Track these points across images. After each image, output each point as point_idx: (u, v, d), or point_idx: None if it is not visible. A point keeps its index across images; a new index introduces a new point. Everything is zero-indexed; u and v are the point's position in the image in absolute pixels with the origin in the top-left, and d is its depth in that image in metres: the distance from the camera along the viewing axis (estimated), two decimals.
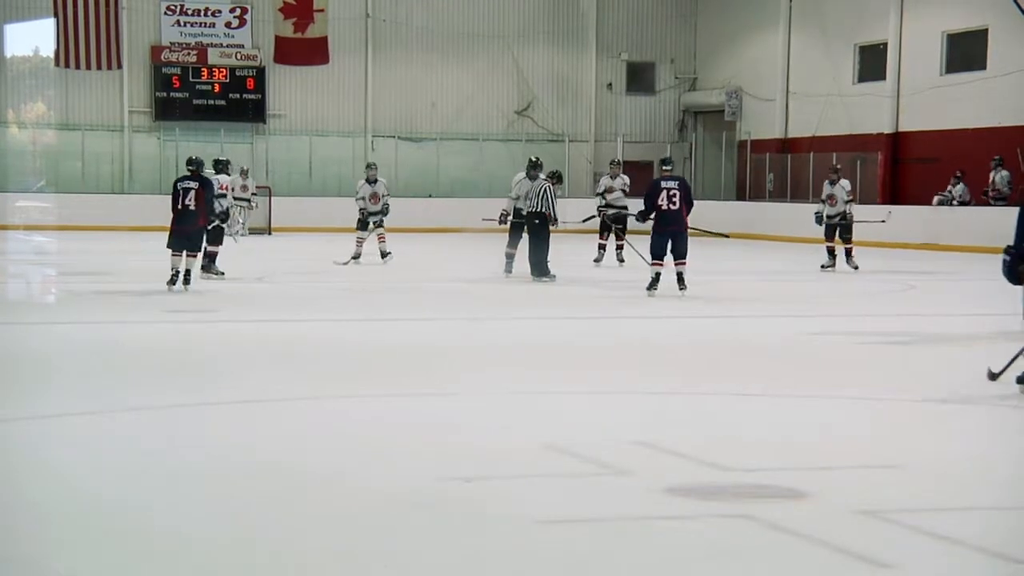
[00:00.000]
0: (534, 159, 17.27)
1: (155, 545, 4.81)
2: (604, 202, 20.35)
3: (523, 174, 17.16)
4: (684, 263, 14.75)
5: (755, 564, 4.64)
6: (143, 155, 33.06)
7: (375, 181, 19.74)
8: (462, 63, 34.88)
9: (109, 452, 6.36)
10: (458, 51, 34.78)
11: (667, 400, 8.16)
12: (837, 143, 30.82)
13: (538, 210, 16.59)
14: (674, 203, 14.66)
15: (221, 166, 17.40)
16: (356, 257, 19.40)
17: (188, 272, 14.76)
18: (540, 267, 16.55)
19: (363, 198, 19.60)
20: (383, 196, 19.68)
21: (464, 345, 10.86)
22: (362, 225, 19.56)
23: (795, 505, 5.38)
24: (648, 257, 14.96)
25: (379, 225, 19.61)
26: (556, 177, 17.18)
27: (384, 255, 19.49)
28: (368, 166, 20.38)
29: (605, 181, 20.81)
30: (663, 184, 14.79)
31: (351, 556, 4.70)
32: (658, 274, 14.76)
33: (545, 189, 16.60)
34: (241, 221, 28.90)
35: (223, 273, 16.28)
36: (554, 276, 16.55)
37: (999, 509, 5.45)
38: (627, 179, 21.13)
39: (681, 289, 14.69)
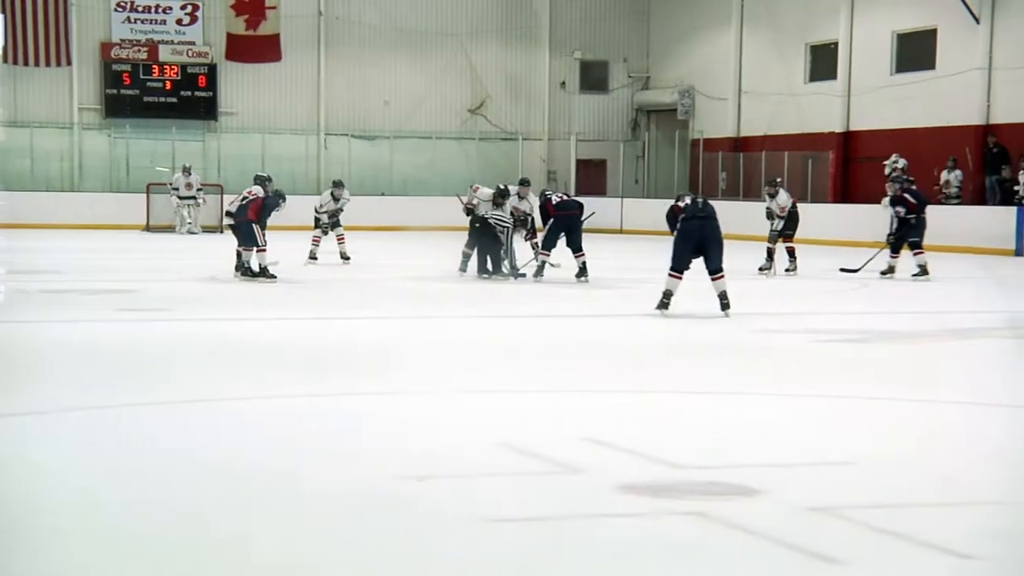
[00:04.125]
0: (502, 187, 17.25)
1: (104, 546, 4.76)
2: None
3: (491, 192, 17.12)
4: (583, 255, 16.37)
5: (708, 561, 4.65)
6: (93, 152, 32.78)
7: (340, 199, 19.66)
8: (415, 61, 34.82)
9: (57, 452, 6.29)
10: (411, 49, 34.71)
11: (620, 398, 8.17)
12: (789, 142, 31.02)
13: (482, 215, 16.74)
14: (564, 197, 16.99)
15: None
16: (313, 257, 19.32)
17: (242, 263, 16.27)
18: (496, 266, 16.70)
19: (326, 212, 19.52)
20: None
21: (417, 344, 10.85)
22: (319, 224, 19.54)
23: (748, 502, 5.40)
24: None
25: (337, 224, 19.56)
26: (503, 194, 17.10)
27: (345, 257, 19.36)
28: (337, 184, 20.05)
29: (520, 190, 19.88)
30: (548, 194, 17.19)
31: (303, 555, 4.67)
32: (544, 263, 16.68)
33: (508, 228, 16.80)
34: (190, 220, 28.75)
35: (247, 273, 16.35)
36: (507, 275, 16.64)
37: (949, 505, 5.49)
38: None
39: (581, 279, 16.17)
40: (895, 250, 17.60)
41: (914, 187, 18.46)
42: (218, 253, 21.64)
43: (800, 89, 31.57)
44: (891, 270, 17.62)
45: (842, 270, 17.61)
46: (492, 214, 16.79)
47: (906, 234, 17.48)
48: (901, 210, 17.46)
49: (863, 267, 17.56)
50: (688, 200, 13.06)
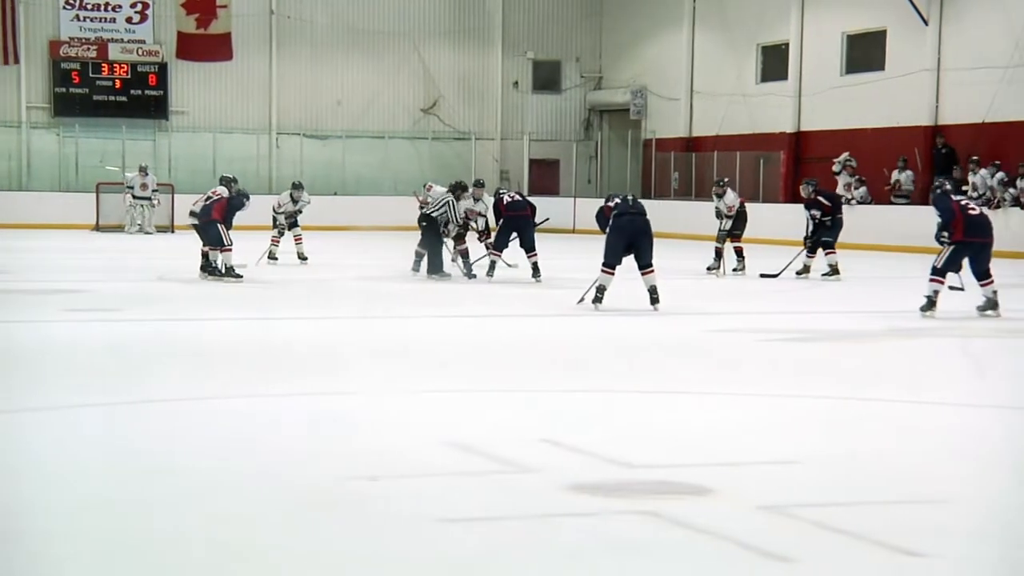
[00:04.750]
0: (457, 182, 17.32)
1: (47, 547, 4.73)
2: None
3: (444, 191, 17.17)
4: (535, 255, 16.47)
5: (660, 560, 4.67)
6: (42, 151, 32.49)
7: (298, 201, 19.53)
8: (367, 60, 34.73)
9: (2, 453, 6.24)
10: (363, 48, 34.62)
11: (571, 398, 8.18)
12: (740, 142, 31.18)
13: (426, 212, 16.86)
14: (515, 197, 17.05)
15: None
16: (272, 257, 19.22)
17: (208, 263, 16.18)
18: (433, 265, 16.71)
19: (283, 213, 19.42)
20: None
21: (371, 344, 10.82)
22: (276, 224, 19.45)
23: (700, 501, 5.42)
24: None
25: (295, 224, 19.48)
26: (460, 187, 17.13)
27: (302, 257, 19.28)
28: (297, 186, 19.86)
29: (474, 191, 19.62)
30: (501, 193, 17.25)
31: (253, 555, 4.66)
32: (494, 262, 16.77)
33: (447, 202, 16.75)
34: (139, 222, 28.49)
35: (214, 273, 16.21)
36: (448, 274, 16.66)
37: (898, 503, 5.54)
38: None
39: (535, 278, 16.23)
40: (812, 251, 17.79)
41: (866, 181, 18.58)
42: (169, 253, 21.53)
43: (751, 89, 31.74)
44: (806, 269, 17.78)
45: (762, 276, 17.75)
46: (432, 199, 16.82)
47: (821, 235, 17.65)
48: (817, 213, 17.63)
49: (783, 271, 17.73)
50: (618, 199, 13.45)
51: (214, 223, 16.00)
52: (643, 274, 13.04)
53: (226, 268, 16.04)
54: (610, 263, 13.04)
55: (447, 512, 5.22)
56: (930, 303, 12.84)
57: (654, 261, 13.08)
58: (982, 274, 12.95)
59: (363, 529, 5.00)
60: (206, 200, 16.32)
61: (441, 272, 16.63)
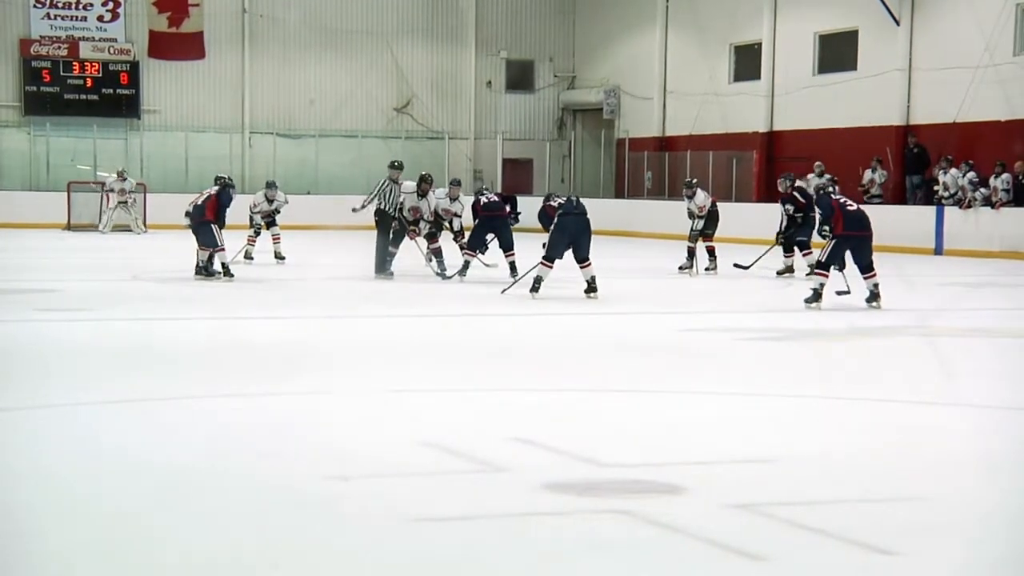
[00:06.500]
0: (424, 174, 17.22)
1: (20, 546, 4.69)
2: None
3: (413, 184, 17.12)
4: (513, 254, 16.63)
5: (633, 559, 4.67)
6: (12, 150, 32.33)
7: (273, 200, 19.45)
8: (341, 59, 34.69)
9: None
10: (336, 47, 34.58)
11: (544, 397, 8.17)
12: (713, 142, 31.26)
13: (382, 208, 16.84)
14: (492, 198, 17.27)
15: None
16: (249, 257, 19.15)
17: (199, 263, 16.16)
18: (379, 264, 16.74)
19: (259, 212, 19.36)
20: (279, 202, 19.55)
21: (341, 343, 10.80)
22: (253, 223, 19.39)
23: (673, 500, 5.42)
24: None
25: (273, 224, 19.42)
26: (426, 180, 17.02)
27: (280, 257, 19.22)
28: (270, 185, 19.80)
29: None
30: (480, 194, 17.48)
31: (227, 554, 4.64)
32: (467, 263, 16.71)
33: (394, 190, 16.86)
34: (126, 223, 28.26)
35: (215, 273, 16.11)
36: (391, 274, 16.63)
37: (870, 501, 5.56)
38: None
39: (513, 276, 16.04)
40: (787, 249, 17.83)
41: (841, 185, 18.80)
42: (143, 252, 21.45)
43: (724, 89, 31.82)
44: (789, 270, 17.87)
45: (735, 266, 17.96)
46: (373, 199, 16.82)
47: (795, 233, 17.70)
48: (791, 208, 17.66)
49: (755, 263, 17.89)
50: (562, 199, 14.57)
51: (207, 223, 15.90)
52: (581, 267, 14.15)
53: (222, 267, 15.95)
54: (550, 257, 14.11)
55: (420, 512, 5.21)
56: (816, 295, 13.64)
57: (592, 257, 14.07)
58: (865, 267, 13.68)
59: (336, 529, 4.98)
60: (199, 200, 16.25)
61: (384, 271, 16.58)
